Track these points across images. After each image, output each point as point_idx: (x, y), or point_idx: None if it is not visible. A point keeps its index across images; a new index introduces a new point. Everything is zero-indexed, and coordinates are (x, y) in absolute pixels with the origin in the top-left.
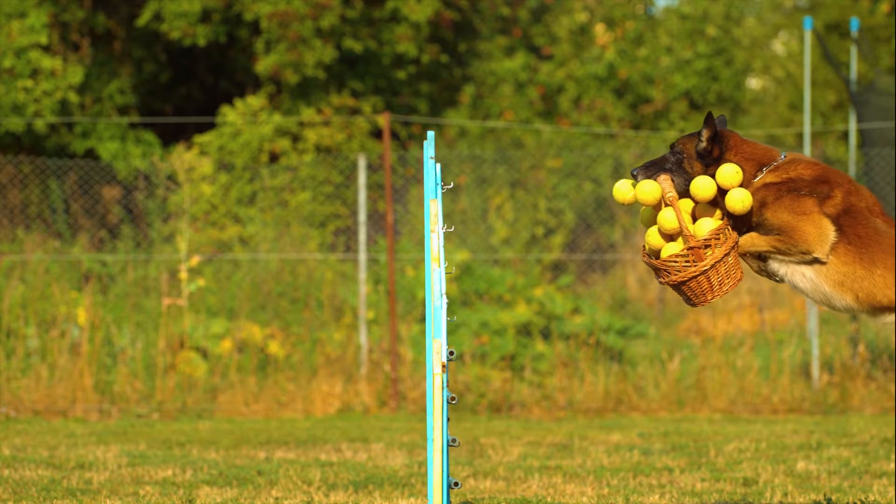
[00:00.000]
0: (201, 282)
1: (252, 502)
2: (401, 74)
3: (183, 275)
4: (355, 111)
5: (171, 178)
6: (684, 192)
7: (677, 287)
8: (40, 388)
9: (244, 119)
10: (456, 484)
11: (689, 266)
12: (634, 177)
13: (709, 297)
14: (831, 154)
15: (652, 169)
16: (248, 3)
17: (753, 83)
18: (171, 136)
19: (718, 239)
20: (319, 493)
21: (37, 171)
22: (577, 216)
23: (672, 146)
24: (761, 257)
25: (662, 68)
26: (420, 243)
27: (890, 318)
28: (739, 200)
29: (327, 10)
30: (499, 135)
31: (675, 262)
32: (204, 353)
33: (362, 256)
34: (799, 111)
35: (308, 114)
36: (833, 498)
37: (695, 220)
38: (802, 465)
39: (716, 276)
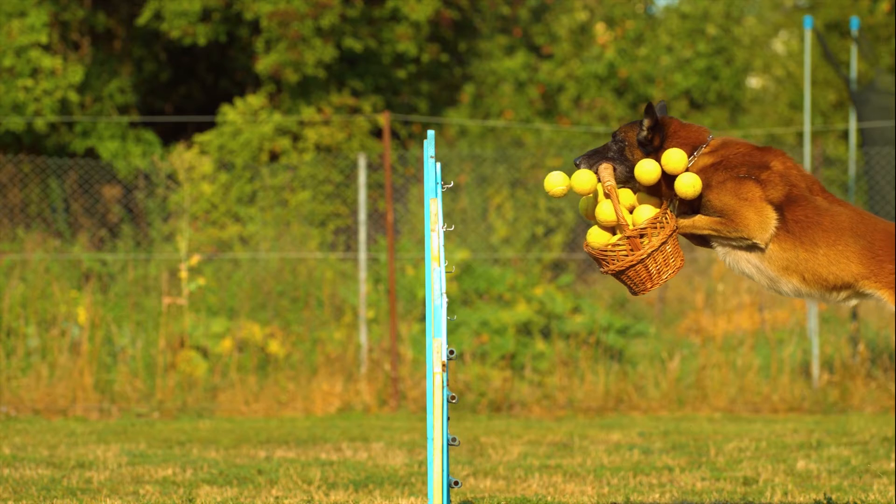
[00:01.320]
0: (201, 281)
1: (252, 501)
2: (401, 73)
3: (183, 274)
4: (355, 110)
5: (172, 177)
6: (627, 180)
7: (618, 276)
8: (40, 387)
9: (244, 118)
10: (456, 483)
11: (627, 255)
12: (577, 165)
13: (648, 286)
14: (831, 153)
15: (594, 157)
16: (249, 2)
17: (753, 82)
18: (172, 135)
19: (655, 228)
20: (320, 493)
21: (37, 171)
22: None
23: (614, 134)
24: (705, 240)
25: (662, 67)
26: (420, 242)
27: (840, 295)
28: (690, 185)
29: (327, 9)
30: (499, 134)
31: (613, 251)
32: (204, 353)
33: (362, 255)
34: (799, 110)
35: (308, 113)
36: (833, 497)
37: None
38: (802, 465)
39: (653, 265)
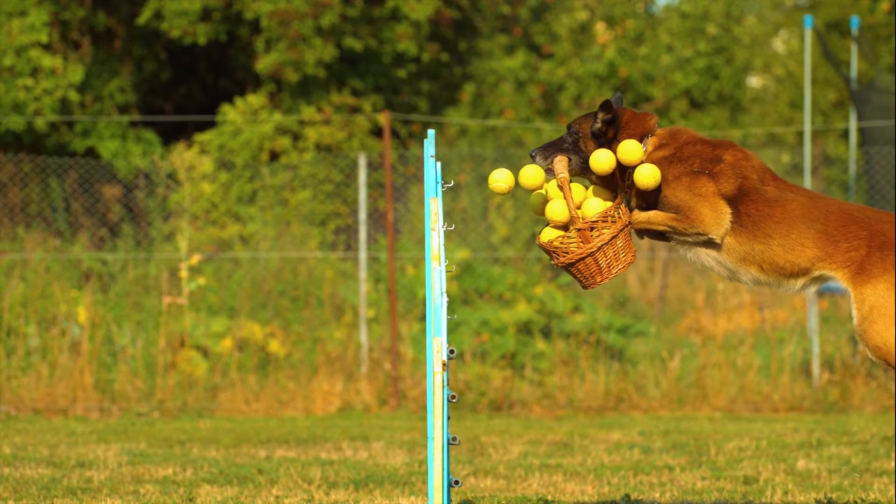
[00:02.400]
0: (202, 280)
1: (253, 501)
2: (401, 73)
3: (183, 273)
4: (356, 110)
5: (172, 176)
6: (583, 172)
7: (567, 269)
8: (41, 386)
9: (244, 118)
10: (456, 482)
11: (577, 248)
12: (533, 158)
13: (598, 280)
14: (832, 152)
15: (550, 150)
16: (249, 1)
17: (754, 81)
18: (172, 134)
19: (606, 221)
20: (320, 492)
21: (37, 170)
22: None
23: (569, 126)
24: (661, 235)
25: (663, 67)
26: (420, 242)
27: (798, 282)
28: (650, 175)
29: (328, 8)
30: (499, 133)
31: (563, 244)
32: (204, 352)
33: (363, 255)
34: (799, 109)
35: (308, 112)
36: (833, 496)
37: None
38: (803, 464)
39: (604, 259)
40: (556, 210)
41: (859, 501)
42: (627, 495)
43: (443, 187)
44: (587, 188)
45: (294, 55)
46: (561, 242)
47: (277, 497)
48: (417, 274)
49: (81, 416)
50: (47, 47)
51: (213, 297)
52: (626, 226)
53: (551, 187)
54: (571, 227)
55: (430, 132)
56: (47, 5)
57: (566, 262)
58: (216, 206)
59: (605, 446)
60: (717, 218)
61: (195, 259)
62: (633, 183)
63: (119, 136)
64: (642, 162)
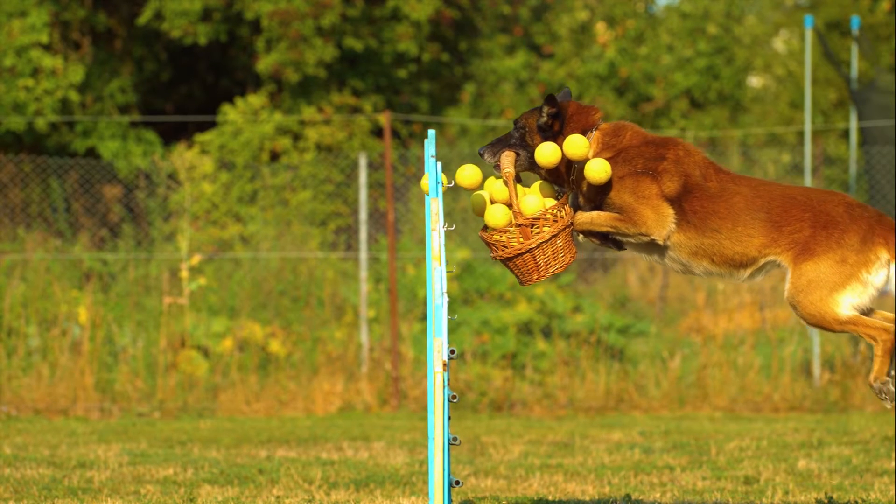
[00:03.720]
0: (202, 280)
1: (253, 501)
2: (401, 73)
3: (184, 273)
4: (356, 110)
5: (172, 176)
6: (531, 167)
7: (506, 264)
8: (41, 386)
9: (245, 118)
10: (457, 482)
11: (516, 244)
12: (481, 155)
13: (534, 277)
14: (832, 152)
15: (497, 146)
16: (249, 1)
17: (754, 81)
18: (172, 134)
19: (547, 219)
20: (321, 492)
21: (38, 170)
22: None
23: (515, 122)
24: (606, 238)
25: (663, 66)
26: (421, 242)
27: (747, 271)
28: (601, 170)
29: (328, 8)
30: (500, 133)
31: (503, 238)
32: (205, 352)
33: (363, 255)
34: (800, 109)
35: (309, 112)
36: (834, 496)
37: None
38: (803, 464)
39: (542, 257)
40: (496, 216)
41: (860, 501)
42: (628, 495)
43: (443, 187)
44: (528, 186)
45: (294, 55)
46: (501, 237)
47: (278, 497)
48: (418, 274)
49: (82, 416)
50: (48, 47)
51: (214, 298)
52: (568, 226)
53: (493, 190)
54: (512, 223)
55: (431, 132)
56: (48, 5)
57: (504, 256)
58: (217, 206)
59: (606, 446)
60: (660, 220)
61: (196, 259)
62: (578, 180)
63: (120, 136)
64: (587, 157)
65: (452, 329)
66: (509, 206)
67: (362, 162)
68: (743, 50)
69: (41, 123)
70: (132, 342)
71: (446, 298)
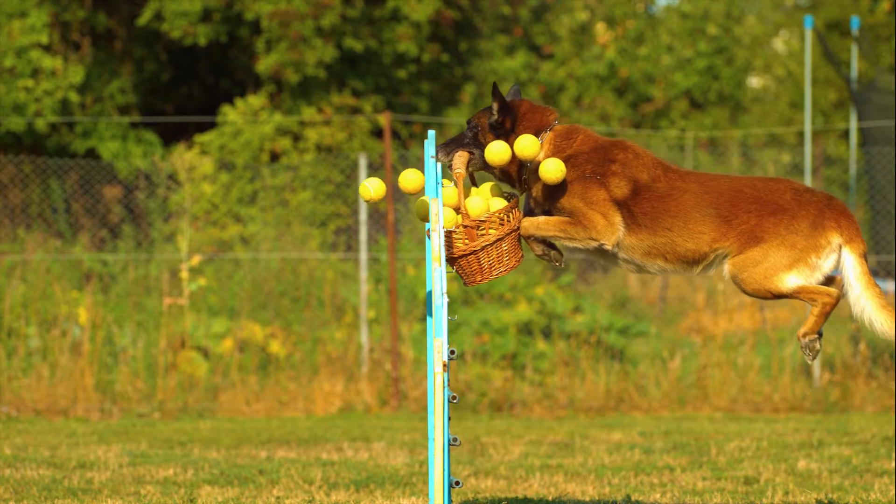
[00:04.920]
0: (202, 281)
1: (253, 501)
2: (401, 73)
3: (184, 274)
4: (356, 110)
5: (172, 177)
6: (485, 166)
7: (451, 264)
8: (41, 387)
9: (245, 118)
10: (457, 483)
11: (462, 245)
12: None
13: (477, 279)
14: (832, 152)
15: (451, 146)
16: (249, 2)
17: (754, 82)
18: (172, 135)
19: (494, 222)
20: (321, 493)
21: (38, 171)
22: None
23: (468, 121)
24: (547, 242)
25: (663, 67)
26: (421, 242)
27: (700, 266)
28: (555, 170)
29: (328, 9)
30: None
31: (448, 238)
32: (205, 353)
33: (363, 255)
34: (800, 109)
35: (309, 113)
36: (834, 497)
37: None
38: (804, 464)
39: (486, 259)
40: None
41: (860, 502)
42: (628, 496)
43: (443, 187)
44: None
45: (294, 56)
46: (447, 236)
47: (278, 498)
48: (418, 274)
49: (82, 416)
50: (48, 48)
51: (214, 298)
52: (515, 230)
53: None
54: (459, 224)
55: (431, 133)
56: (48, 6)
57: (449, 256)
58: (217, 206)
59: (606, 447)
60: (609, 226)
61: (196, 260)
62: (530, 181)
63: (119, 136)
64: (538, 158)
65: (452, 330)
66: (457, 209)
67: (362, 162)
68: (743, 50)
69: (41, 124)
70: (132, 343)
71: (446, 299)
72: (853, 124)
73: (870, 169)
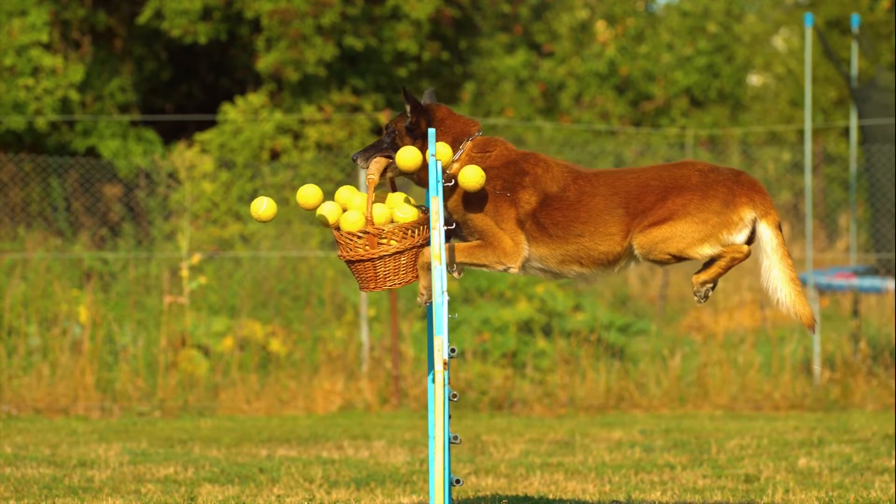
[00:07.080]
0: (203, 279)
1: (254, 500)
2: (402, 72)
3: (184, 272)
4: (356, 109)
5: (173, 175)
6: (403, 172)
7: (349, 265)
8: (42, 386)
9: (245, 117)
10: (457, 481)
11: (362, 249)
12: (355, 161)
13: (371, 286)
14: (832, 151)
15: (370, 151)
16: (249, 0)
17: (754, 80)
18: (172, 133)
19: (397, 234)
20: (321, 491)
21: (38, 170)
22: None
23: (386, 126)
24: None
25: (663, 65)
26: None
27: (617, 266)
28: (473, 177)
29: (328, 7)
30: (500, 132)
31: (350, 239)
32: (205, 351)
33: None
34: (800, 108)
35: (309, 111)
36: (835, 494)
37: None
38: (804, 462)
39: (382, 268)
40: (349, 220)
41: (860, 500)
42: (629, 494)
43: (444, 186)
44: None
45: (294, 54)
46: (351, 238)
47: (279, 496)
48: None
49: (83, 415)
50: (48, 47)
51: (214, 297)
52: (417, 246)
53: (343, 200)
54: (363, 229)
55: (431, 131)
56: (48, 5)
57: (346, 258)
58: (217, 205)
59: (607, 445)
60: (516, 248)
61: (196, 258)
62: (445, 190)
63: (120, 135)
64: (449, 166)
65: (453, 328)
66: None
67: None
68: (743, 48)
69: (41, 123)
70: (132, 341)
71: (447, 297)
72: (853, 122)
73: (870, 167)
